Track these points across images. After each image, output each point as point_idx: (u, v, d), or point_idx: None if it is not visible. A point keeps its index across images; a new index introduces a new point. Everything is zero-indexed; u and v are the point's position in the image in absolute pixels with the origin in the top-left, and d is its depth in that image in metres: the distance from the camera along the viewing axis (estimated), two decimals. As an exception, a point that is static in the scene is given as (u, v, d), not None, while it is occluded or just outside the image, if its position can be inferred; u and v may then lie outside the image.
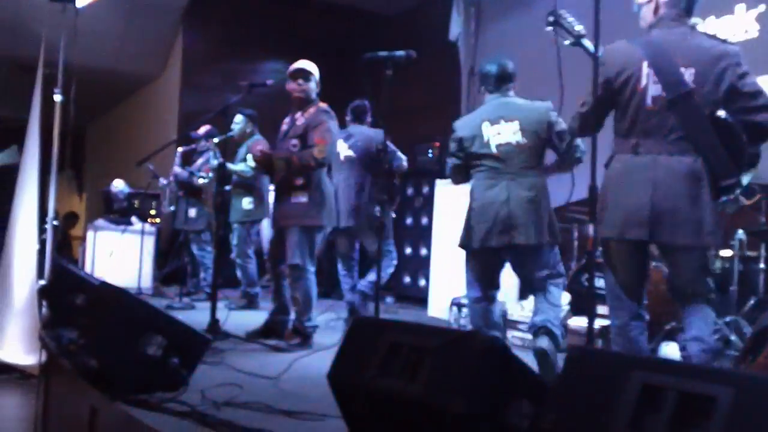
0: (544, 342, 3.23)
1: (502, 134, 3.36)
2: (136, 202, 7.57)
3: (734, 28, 4.85)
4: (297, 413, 2.44)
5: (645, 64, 2.53)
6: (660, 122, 2.50)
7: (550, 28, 2.83)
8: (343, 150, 4.93)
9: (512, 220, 3.27)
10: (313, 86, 4.18)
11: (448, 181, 6.12)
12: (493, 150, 3.35)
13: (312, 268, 4.08)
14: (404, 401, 1.87)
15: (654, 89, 2.51)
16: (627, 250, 2.63)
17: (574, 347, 1.78)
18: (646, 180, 2.50)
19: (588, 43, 2.78)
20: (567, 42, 2.84)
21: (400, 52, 3.55)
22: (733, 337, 4.09)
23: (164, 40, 8.83)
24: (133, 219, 7.22)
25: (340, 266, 5.10)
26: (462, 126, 3.53)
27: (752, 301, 4.24)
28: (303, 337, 4.05)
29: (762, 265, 4.25)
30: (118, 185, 7.68)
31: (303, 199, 4.04)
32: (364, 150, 4.90)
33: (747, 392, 1.33)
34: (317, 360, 3.45)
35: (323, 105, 4.19)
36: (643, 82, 2.52)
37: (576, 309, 4.60)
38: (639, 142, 2.53)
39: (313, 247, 4.07)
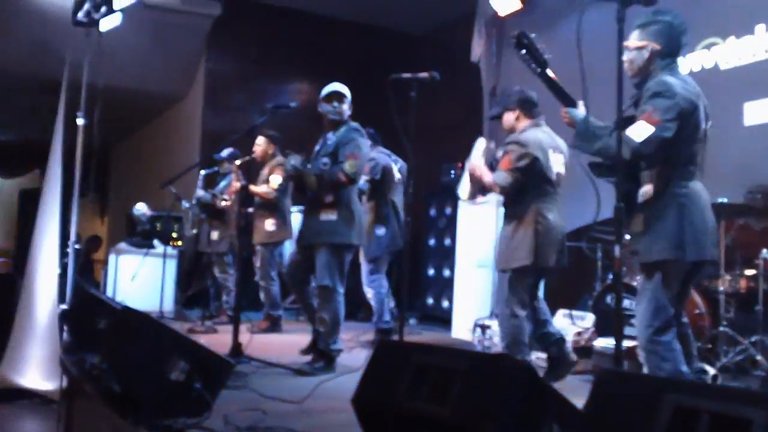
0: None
1: (557, 163, 3.76)
2: (159, 225, 7.60)
3: (755, 47, 4.79)
4: (322, 438, 2.40)
5: (701, 100, 2.78)
6: (702, 152, 2.81)
7: (522, 52, 2.86)
8: (396, 172, 5.38)
9: (565, 244, 3.76)
10: (346, 108, 4.22)
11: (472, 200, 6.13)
12: (553, 176, 3.71)
13: (341, 290, 4.05)
14: (433, 424, 1.84)
15: (703, 123, 2.80)
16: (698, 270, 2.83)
17: (604, 370, 1.73)
18: (709, 204, 2.78)
19: (551, 74, 2.87)
20: (534, 68, 2.86)
21: (424, 74, 3.58)
22: (759, 357, 4.00)
23: (189, 60, 8.92)
24: (156, 242, 7.26)
25: (386, 288, 5.27)
26: (534, 146, 3.66)
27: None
28: (327, 359, 4.00)
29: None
30: (141, 208, 7.74)
31: (332, 216, 4.03)
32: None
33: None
34: (342, 383, 3.41)
35: (354, 123, 4.22)
36: (702, 115, 2.78)
37: (601, 330, 4.52)
38: (696, 171, 2.76)
39: (343, 267, 4.05)
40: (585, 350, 4.44)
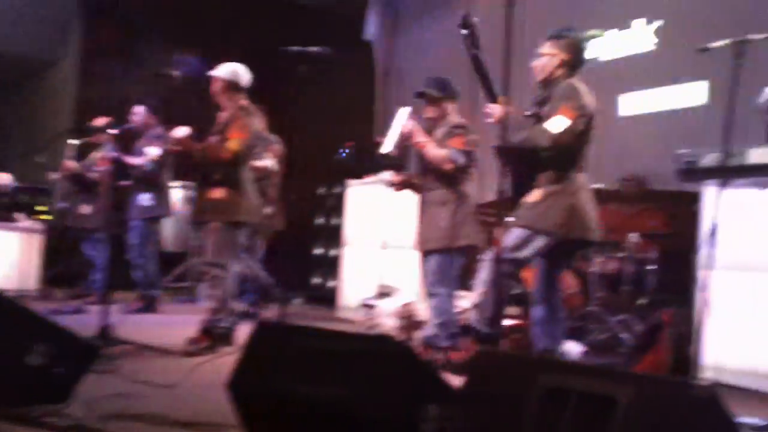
0: None
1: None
2: (24, 198, 7.04)
3: (634, 41, 5.05)
4: (194, 424, 2.29)
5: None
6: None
7: (465, 31, 3.02)
8: None
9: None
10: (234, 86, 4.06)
11: (362, 180, 6.08)
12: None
13: (234, 268, 3.98)
14: (313, 408, 1.79)
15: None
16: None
17: (480, 350, 1.75)
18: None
19: (481, 60, 3.04)
20: (471, 50, 3.00)
21: (315, 49, 3.48)
22: (623, 335, 4.26)
23: (63, 23, 8.29)
24: (19, 215, 6.72)
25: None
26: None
27: (643, 301, 4.42)
28: (213, 339, 3.88)
29: (653, 267, 4.44)
30: (4, 179, 7.12)
31: (221, 194, 3.95)
32: None
33: (645, 391, 1.36)
34: (220, 366, 3.27)
35: (243, 102, 4.08)
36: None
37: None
38: (584, 164, 3.14)
39: (234, 245, 3.98)
40: (464, 329, 4.54)
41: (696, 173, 2.53)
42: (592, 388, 1.42)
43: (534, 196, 3.06)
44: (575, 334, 4.13)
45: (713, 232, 2.36)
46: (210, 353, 3.74)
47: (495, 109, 3.03)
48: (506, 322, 4.25)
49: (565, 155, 3.00)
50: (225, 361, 3.39)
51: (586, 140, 3.08)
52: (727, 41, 2.40)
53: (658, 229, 4.54)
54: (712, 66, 4.10)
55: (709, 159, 2.46)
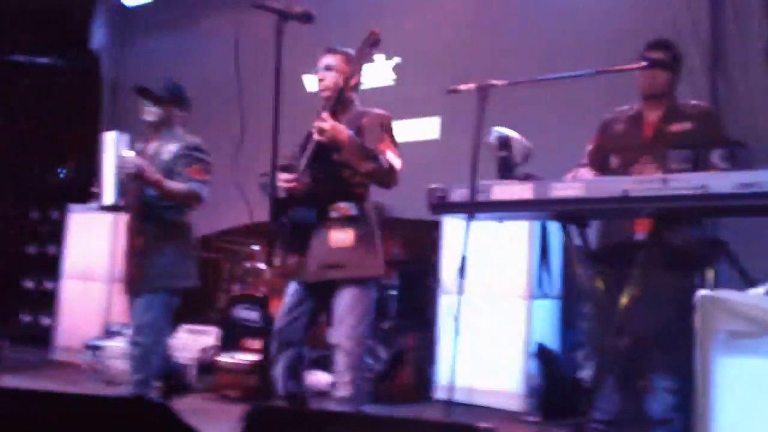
0: None
1: None
2: None
3: (375, 75, 5.28)
4: None
5: None
6: None
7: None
8: None
9: None
10: None
11: (88, 205, 5.40)
12: None
13: None
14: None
15: None
16: None
17: (254, 406, 1.56)
18: None
19: None
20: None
21: (43, 59, 2.97)
22: (369, 361, 4.35)
23: None
24: None
25: None
26: None
27: (386, 326, 4.56)
28: None
29: (394, 292, 4.62)
30: None
31: None
32: None
33: None
34: None
35: None
36: None
37: (227, 345, 4.39)
38: None
39: None
40: (209, 367, 4.26)
41: (446, 207, 2.65)
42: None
43: (346, 237, 2.70)
44: (320, 364, 4.10)
45: (463, 263, 2.47)
46: None
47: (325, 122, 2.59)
48: (244, 358, 4.08)
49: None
50: None
51: None
52: (473, 85, 2.55)
53: (399, 255, 4.74)
54: (443, 104, 4.47)
55: (458, 194, 2.59)
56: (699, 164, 2.33)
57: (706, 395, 1.86)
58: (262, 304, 4.38)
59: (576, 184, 2.35)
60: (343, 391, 2.61)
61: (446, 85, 2.70)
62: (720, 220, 2.95)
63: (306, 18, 2.43)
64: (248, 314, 4.43)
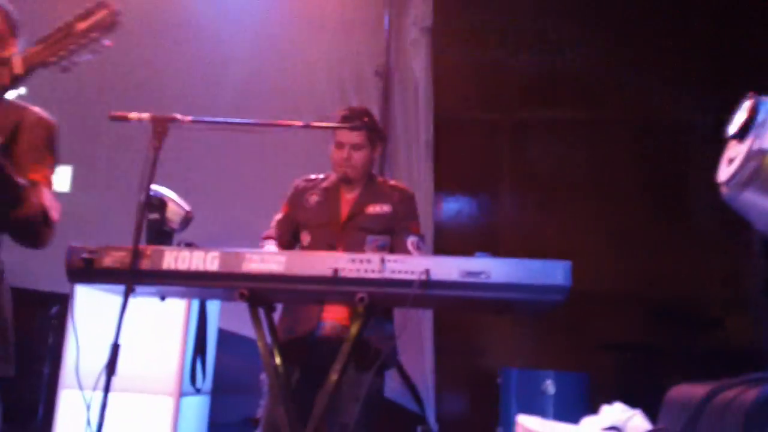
0: None
1: None
2: None
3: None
4: None
5: None
6: None
7: None
8: None
9: None
10: None
11: None
12: None
13: None
14: None
15: None
16: None
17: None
18: None
19: None
20: None
21: None
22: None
23: None
24: None
25: None
26: None
27: None
28: None
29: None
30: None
31: None
32: None
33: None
34: None
35: None
36: None
37: None
38: None
39: None
40: None
41: (96, 275, 1.92)
42: None
43: None
44: None
45: (114, 353, 1.81)
46: None
47: None
48: None
49: None
50: None
51: None
52: (147, 114, 1.96)
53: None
54: (77, 151, 3.75)
55: (114, 259, 1.90)
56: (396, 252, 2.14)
57: None
58: None
59: (276, 257, 1.87)
60: None
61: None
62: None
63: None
64: None
